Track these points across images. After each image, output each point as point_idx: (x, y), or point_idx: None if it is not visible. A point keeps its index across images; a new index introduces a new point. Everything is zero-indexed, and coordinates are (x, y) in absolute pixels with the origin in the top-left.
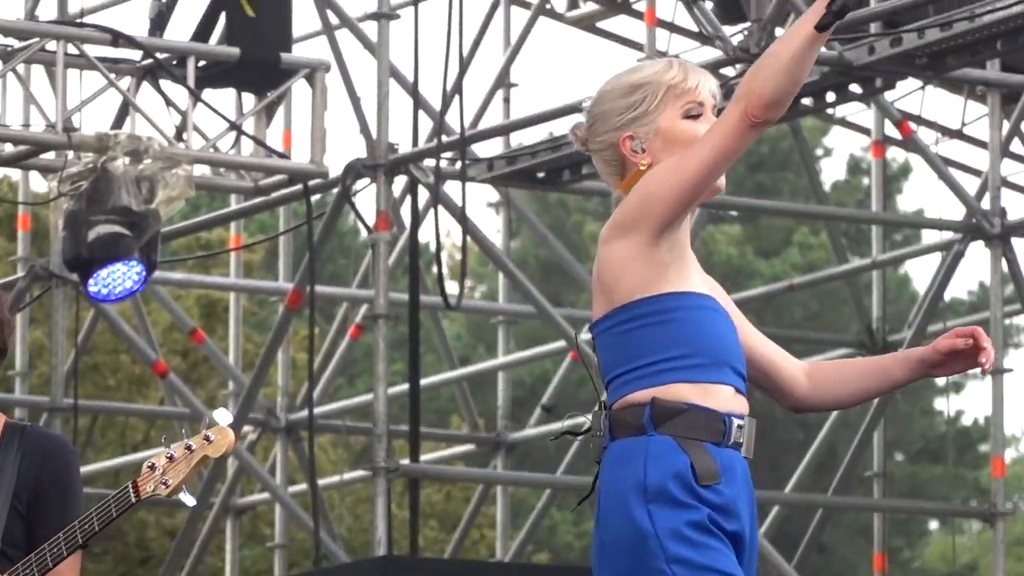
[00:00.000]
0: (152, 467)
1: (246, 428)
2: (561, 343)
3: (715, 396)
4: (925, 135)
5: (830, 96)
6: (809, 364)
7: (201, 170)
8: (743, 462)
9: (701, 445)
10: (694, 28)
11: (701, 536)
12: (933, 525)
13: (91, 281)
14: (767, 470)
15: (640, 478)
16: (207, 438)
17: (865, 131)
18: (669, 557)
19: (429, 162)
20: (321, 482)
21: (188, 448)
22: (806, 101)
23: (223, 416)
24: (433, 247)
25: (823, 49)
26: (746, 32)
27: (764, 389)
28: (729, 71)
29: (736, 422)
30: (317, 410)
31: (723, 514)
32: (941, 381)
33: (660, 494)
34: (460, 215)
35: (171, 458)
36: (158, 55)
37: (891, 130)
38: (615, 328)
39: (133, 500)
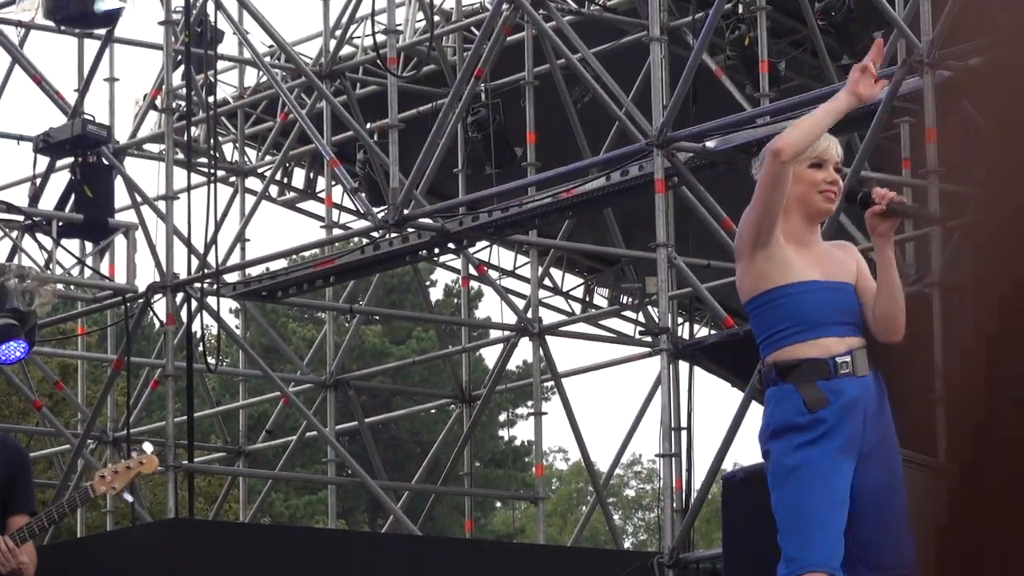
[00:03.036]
0: (103, 476)
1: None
2: (277, 393)
3: (819, 347)
4: (493, 273)
5: (436, 251)
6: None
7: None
8: (855, 381)
9: (814, 384)
10: (352, 207)
11: (806, 455)
12: (499, 504)
13: None
14: (398, 470)
15: (769, 419)
16: (140, 461)
17: (456, 271)
18: (780, 472)
19: (197, 285)
20: None
21: (127, 467)
22: (423, 253)
23: (148, 447)
24: (198, 335)
25: (429, 220)
26: (386, 210)
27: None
28: (374, 235)
29: (840, 360)
30: (133, 431)
31: (842, 419)
32: (503, 417)
33: (782, 428)
34: (216, 316)
35: (116, 472)
36: (34, 218)
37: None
38: (752, 312)
39: (92, 496)
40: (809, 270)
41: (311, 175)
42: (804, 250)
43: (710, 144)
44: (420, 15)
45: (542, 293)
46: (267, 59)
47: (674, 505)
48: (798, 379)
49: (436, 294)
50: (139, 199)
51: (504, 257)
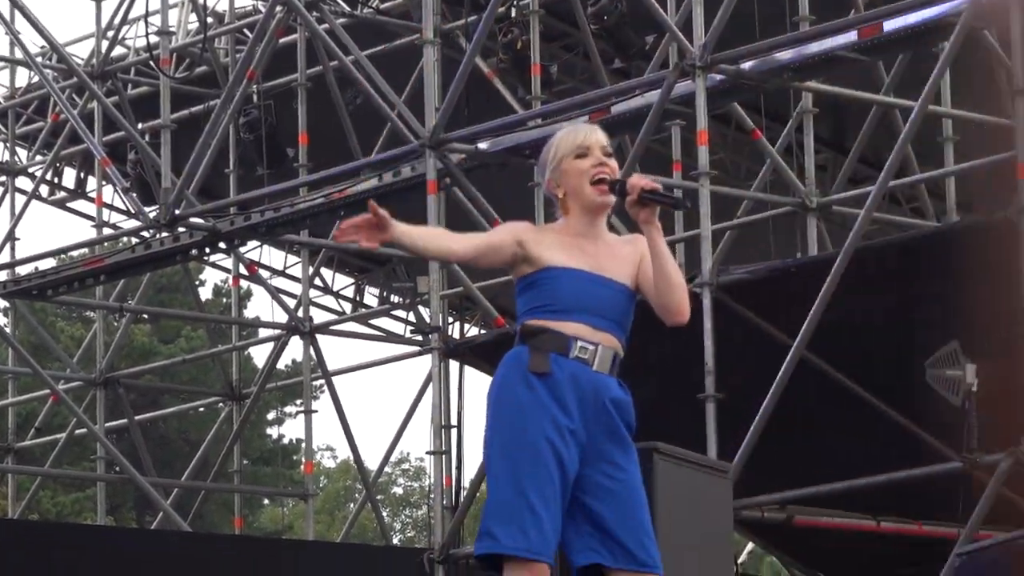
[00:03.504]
0: None
1: None
2: (46, 391)
3: (567, 326)
4: (264, 273)
5: (207, 250)
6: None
7: None
8: (588, 372)
9: (545, 352)
10: (124, 207)
11: (517, 401)
12: (267, 502)
13: None
14: (167, 468)
15: (500, 372)
16: None
17: (227, 270)
18: (492, 415)
19: None
20: None
21: None
22: (194, 252)
23: None
24: None
25: (200, 220)
26: (157, 209)
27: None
28: (145, 234)
29: (580, 344)
30: None
31: (559, 397)
32: (272, 415)
33: (503, 386)
34: None
35: None
36: None
37: (243, 269)
38: (516, 298)
39: None
40: (571, 261)
41: (82, 175)
42: (581, 241)
43: (482, 146)
44: (193, 17)
45: (313, 292)
46: (39, 59)
47: (444, 502)
48: (535, 344)
49: (206, 293)
50: None
51: (275, 257)
